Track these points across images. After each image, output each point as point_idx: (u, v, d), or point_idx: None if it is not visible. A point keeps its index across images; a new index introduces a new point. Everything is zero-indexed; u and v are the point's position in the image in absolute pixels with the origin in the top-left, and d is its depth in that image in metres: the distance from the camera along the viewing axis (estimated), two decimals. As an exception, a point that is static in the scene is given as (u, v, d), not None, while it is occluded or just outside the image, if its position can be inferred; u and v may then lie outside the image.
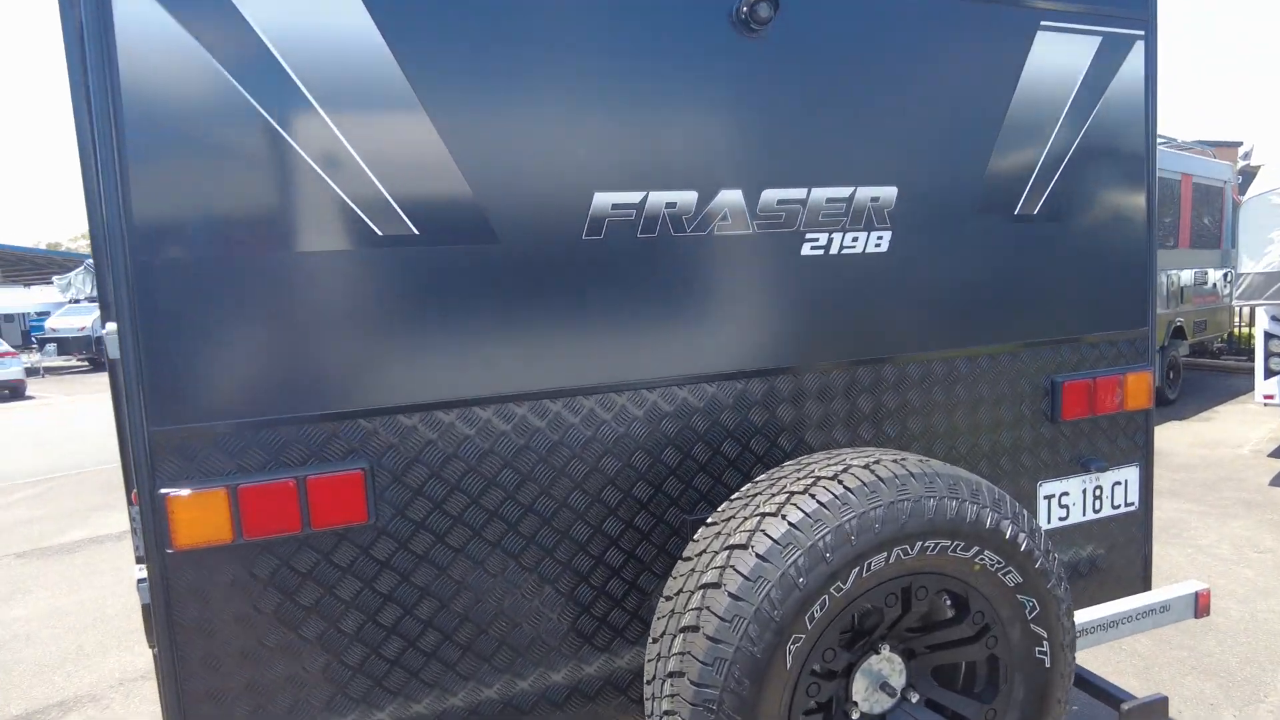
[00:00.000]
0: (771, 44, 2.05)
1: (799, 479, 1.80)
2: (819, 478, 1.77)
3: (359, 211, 1.75)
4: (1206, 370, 12.57)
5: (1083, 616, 2.33)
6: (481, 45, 1.81)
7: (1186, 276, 9.74)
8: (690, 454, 2.08)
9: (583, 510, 1.99)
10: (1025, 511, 1.88)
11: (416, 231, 1.80)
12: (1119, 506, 2.63)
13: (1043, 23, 2.35)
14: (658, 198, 1.98)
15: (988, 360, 2.39)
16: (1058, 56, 2.38)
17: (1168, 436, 8.43)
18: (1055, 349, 2.49)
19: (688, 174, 2.00)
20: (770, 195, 2.08)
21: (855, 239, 2.18)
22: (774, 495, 1.78)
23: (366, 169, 1.75)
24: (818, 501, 1.70)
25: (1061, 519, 2.53)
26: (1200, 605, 2.48)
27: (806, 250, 2.14)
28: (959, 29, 2.26)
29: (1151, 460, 2.69)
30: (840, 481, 1.74)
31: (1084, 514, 2.57)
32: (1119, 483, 2.62)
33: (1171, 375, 9.74)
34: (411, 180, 1.79)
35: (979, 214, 2.32)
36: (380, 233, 1.77)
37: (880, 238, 2.21)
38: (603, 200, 1.93)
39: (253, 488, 1.70)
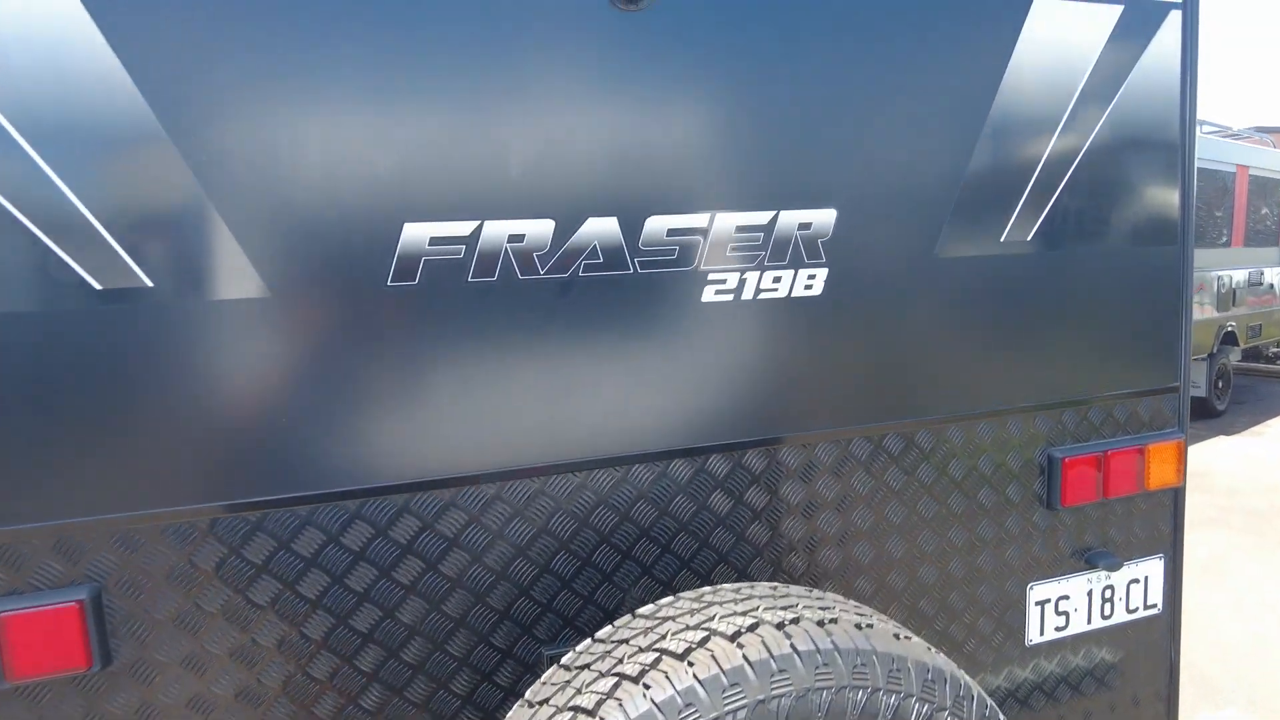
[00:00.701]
0: (657, 19, 1.52)
1: (682, 631, 1.29)
2: (712, 633, 1.25)
3: (68, 259, 1.28)
4: (1260, 377, 11.64)
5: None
6: (235, 29, 1.31)
7: (1240, 277, 8.92)
8: (551, 567, 1.58)
9: (397, 647, 1.50)
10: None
11: (150, 283, 1.32)
12: (1136, 610, 2.06)
13: (1041, -14, 1.78)
14: (496, 229, 1.47)
15: (960, 432, 1.84)
16: (1062, 32, 1.81)
17: (1213, 454, 7.69)
18: (1053, 416, 1.92)
19: (540, 197, 1.49)
20: (657, 224, 1.56)
21: (777, 279, 1.65)
22: (642, 649, 1.27)
23: (79, 204, 1.27)
24: (695, 677, 1.18)
25: (1059, 629, 1.98)
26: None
27: (709, 295, 1.61)
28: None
29: (1181, 550, 2.12)
30: (739, 645, 1.22)
31: (1089, 621, 2.01)
32: (1136, 580, 2.06)
33: (1220, 385, 8.94)
34: (143, 216, 1.31)
35: (950, 242, 1.77)
36: (99, 286, 1.29)
37: (812, 276, 1.67)
38: (416, 233, 1.43)
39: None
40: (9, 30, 1.21)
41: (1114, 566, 1.96)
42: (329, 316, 1.41)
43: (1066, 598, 1.98)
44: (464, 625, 1.53)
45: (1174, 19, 1.91)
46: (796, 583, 1.74)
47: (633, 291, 1.56)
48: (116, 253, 1.30)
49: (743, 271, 1.62)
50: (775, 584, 1.49)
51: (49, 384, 1.29)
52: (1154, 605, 2.08)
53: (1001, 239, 1.81)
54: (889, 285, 1.73)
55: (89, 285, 1.29)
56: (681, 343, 1.60)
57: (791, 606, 1.32)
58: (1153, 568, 2.07)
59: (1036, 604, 1.95)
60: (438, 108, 1.42)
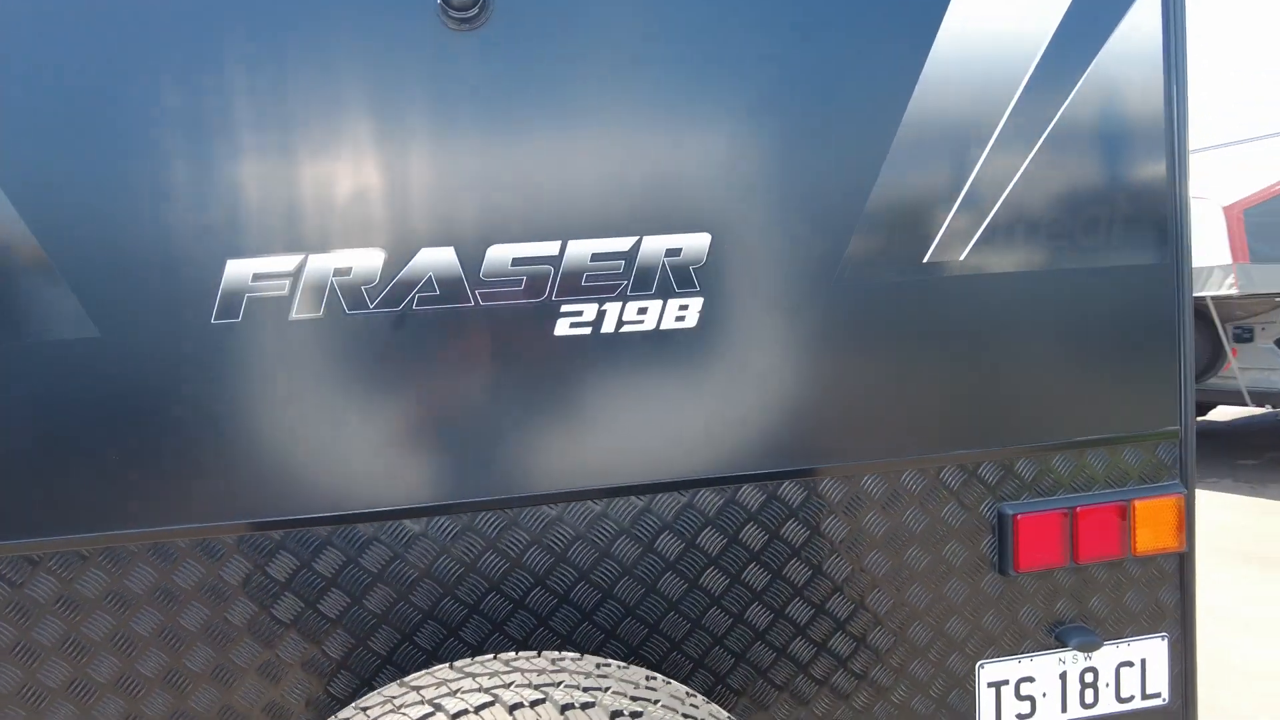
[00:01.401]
0: (495, 35, 1.43)
1: (471, 691, 1.16)
2: (496, 699, 1.12)
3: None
4: None
5: None
6: (50, 63, 1.34)
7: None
8: (387, 612, 1.48)
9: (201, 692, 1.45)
10: None
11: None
12: (1131, 699, 1.71)
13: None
14: (321, 262, 1.41)
15: (879, 482, 1.60)
16: (1002, 13, 1.56)
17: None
18: (1003, 464, 1.64)
19: (368, 226, 1.42)
20: (500, 253, 1.45)
21: (643, 310, 1.50)
22: (424, 701, 1.15)
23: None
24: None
25: (1023, 716, 1.67)
26: None
27: (564, 329, 1.48)
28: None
29: (1192, 627, 1.74)
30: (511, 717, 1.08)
31: (1065, 709, 1.68)
32: (1129, 664, 1.70)
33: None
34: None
35: (854, 265, 1.55)
36: (-64, 326, 1.34)
37: (684, 307, 1.51)
38: (239, 269, 1.39)
39: None
40: None
41: (1090, 646, 1.63)
42: (155, 358, 1.39)
43: (1031, 680, 1.66)
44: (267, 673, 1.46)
45: (1150, -6, 1.61)
46: (676, 649, 1.55)
47: (474, 326, 1.46)
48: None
49: (603, 301, 1.48)
50: (614, 664, 1.32)
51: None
52: (1157, 694, 1.71)
53: (924, 259, 1.57)
54: (779, 314, 1.54)
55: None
56: (532, 379, 1.48)
57: (595, 689, 1.15)
58: (1152, 649, 1.71)
59: (990, 685, 1.65)
60: (260, 136, 1.39)
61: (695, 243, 1.50)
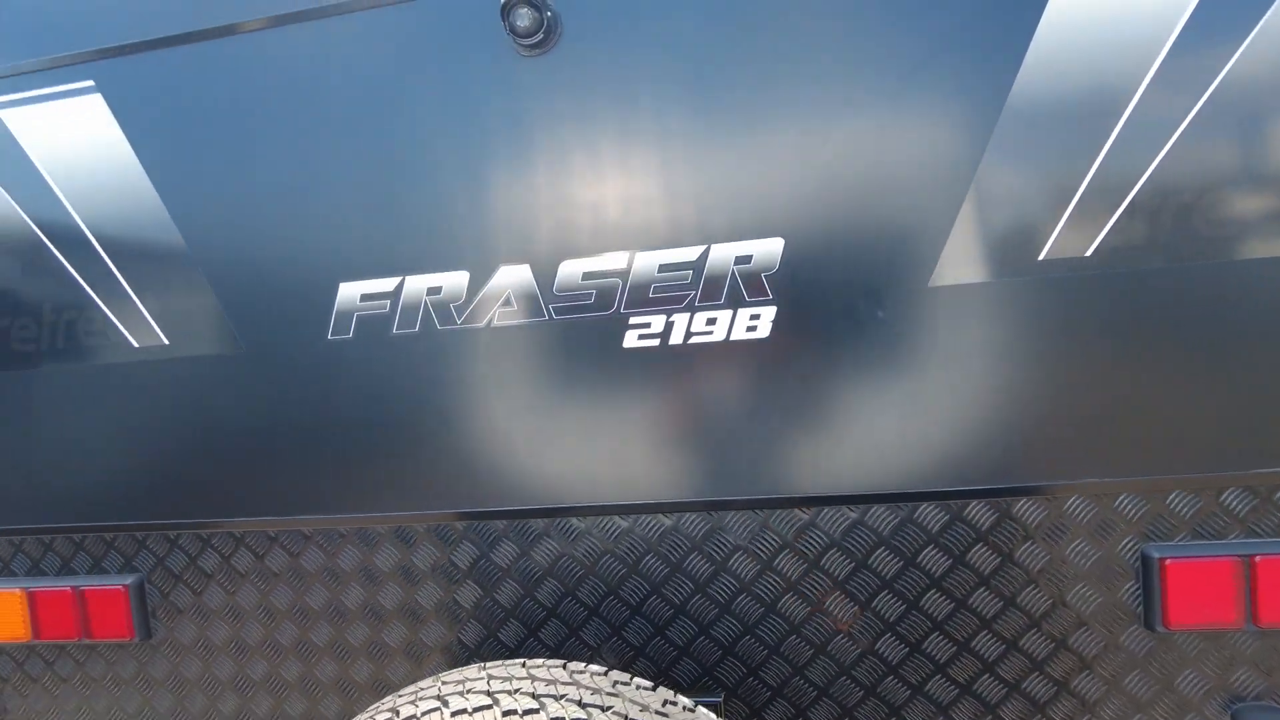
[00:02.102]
0: (560, 60, 1.48)
1: (448, 694, 1.22)
2: (442, 704, 1.17)
3: (118, 324, 1.69)
4: None
5: None
6: (209, 123, 1.61)
7: None
8: (440, 603, 1.59)
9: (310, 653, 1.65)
10: None
11: (166, 341, 1.68)
12: (1348, 808, 1.33)
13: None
14: (416, 282, 1.56)
15: (991, 512, 1.40)
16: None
17: None
18: (1152, 497, 1.36)
19: (454, 249, 1.54)
20: (572, 268, 1.50)
21: (712, 320, 1.46)
22: (417, 699, 1.23)
23: (122, 280, 1.68)
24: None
25: (1182, 807, 1.37)
26: None
27: (632, 341, 1.49)
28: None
29: None
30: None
31: (1245, 807, 1.36)
32: (1347, 762, 1.33)
33: None
34: (160, 286, 1.67)
35: (953, 266, 1.38)
36: (136, 344, 1.69)
37: (756, 317, 1.44)
38: (350, 291, 1.58)
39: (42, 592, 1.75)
40: (76, 152, 1.66)
41: (1277, 728, 1.31)
42: (285, 370, 1.62)
43: (1194, 763, 1.37)
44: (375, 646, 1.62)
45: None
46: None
47: (549, 339, 1.52)
48: (147, 319, 1.68)
49: (670, 313, 1.47)
50: (636, 682, 1.30)
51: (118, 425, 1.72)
52: (1390, 807, 1.33)
53: (1040, 257, 1.36)
54: (865, 325, 1.41)
55: (130, 344, 1.68)
56: (601, 392, 1.51)
57: (595, 705, 1.15)
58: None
59: (1138, 761, 1.39)
60: (362, 170, 1.56)
61: (767, 249, 1.43)
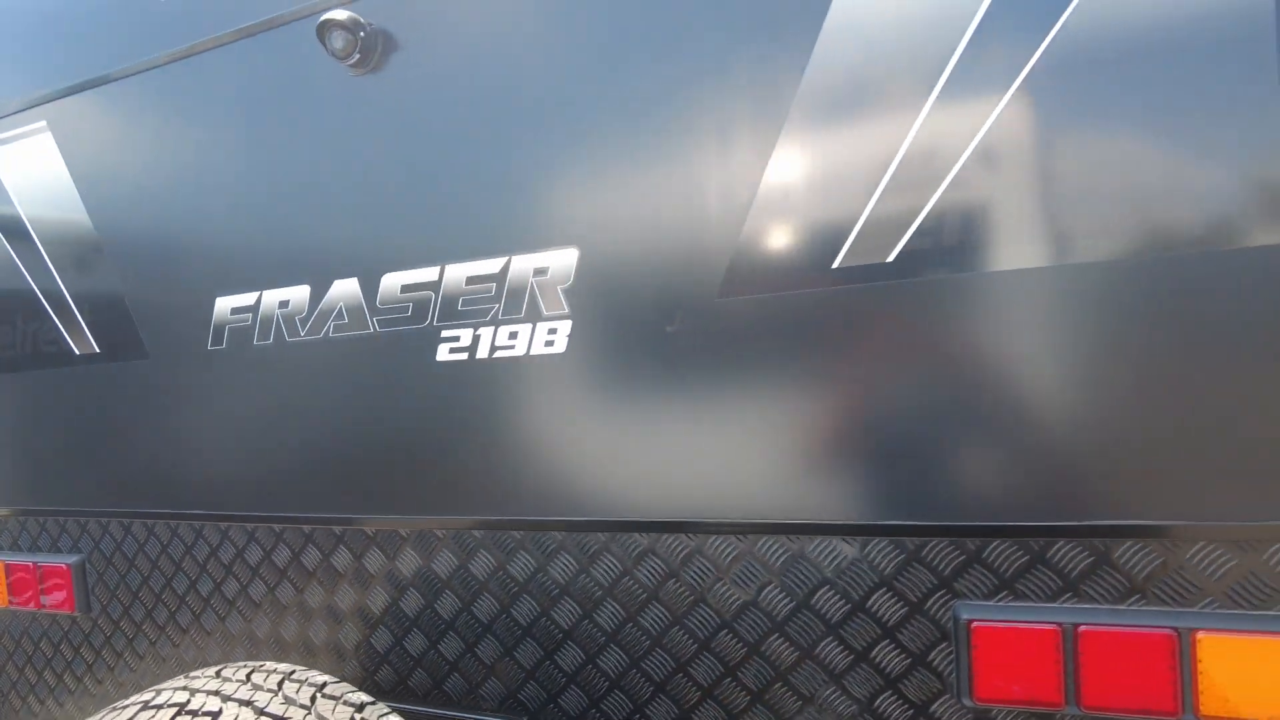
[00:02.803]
0: (384, 78, 1.51)
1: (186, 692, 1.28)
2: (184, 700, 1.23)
3: (64, 334, 1.93)
4: None
5: None
6: (121, 156, 1.80)
7: None
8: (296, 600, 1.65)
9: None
10: None
11: (98, 350, 1.89)
12: None
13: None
14: (271, 296, 1.65)
15: (784, 553, 1.26)
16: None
17: None
18: (959, 547, 1.16)
19: (298, 263, 1.61)
20: (392, 281, 1.52)
21: (513, 335, 1.42)
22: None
23: (68, 297, 1.92)
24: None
25: None
26: None
27: (444, 354, 1.49)
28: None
29: None
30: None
31: None
32: None
33: None
34: (93, 302, 1.88)
35: (740, 278, 1.25)
36: (77, 352, 1.92)
37: (553, 331, 1.39)
38: (223, 305, 1.70)
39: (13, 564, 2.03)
40: (37, 186, 1.90)
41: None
42: (180, 378, 1.77)
43: None
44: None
45: None
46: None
47: (374, 351, 1.55)
48: (85, 332, 1.89)
49: (476, 326, 1.45)
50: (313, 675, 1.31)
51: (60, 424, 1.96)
52: None
53: (834, 265, 1.20)
54: (657, 339, 1.32)
55: (72, 352, 1.91)
56: (414, 405, 1.51)
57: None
58: None
59: None
60: (235, 187, 1.67)
61: (562, 260, 1.37)
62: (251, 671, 1.39)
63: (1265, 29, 0.99)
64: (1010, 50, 1.09)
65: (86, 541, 1.95)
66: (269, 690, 1.31)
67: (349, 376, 1.57)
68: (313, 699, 1.31)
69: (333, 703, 1.31)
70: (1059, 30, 1.07)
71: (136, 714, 1.22)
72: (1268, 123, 0.99)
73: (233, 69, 1.65)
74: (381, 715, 1.33)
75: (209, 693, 1.29)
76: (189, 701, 1.25)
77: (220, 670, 1.40)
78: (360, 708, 1.32)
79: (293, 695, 1.31)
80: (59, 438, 1.96)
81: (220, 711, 1.22)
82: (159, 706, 1.22)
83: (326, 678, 1.40)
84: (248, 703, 1.26)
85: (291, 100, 1.59)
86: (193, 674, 1.40)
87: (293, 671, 1.40)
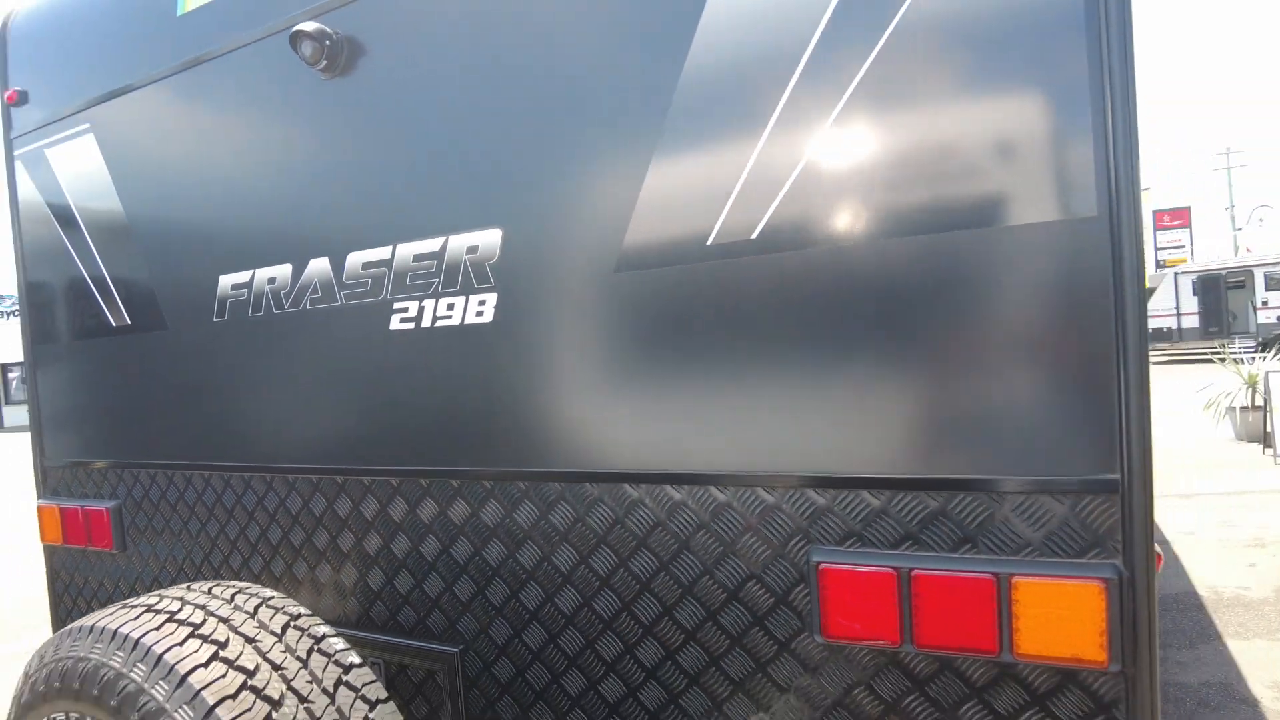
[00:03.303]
0: (351, 81, 1.71)
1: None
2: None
3: (104, 309, 2.23)
4: None
5: None
6: (149, 155, 2.07)
7: None
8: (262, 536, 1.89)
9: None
10: None
11: (130, 322, 2.18)
12: None
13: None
14: (262, 274, 1.88)
15: (683, 498, 1.40)
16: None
17: None
18: (812, 497, 1.27)
19: (284, 244, 1.84)
20: (355, 259, 1.73)
21: (450, 306, 1.61)
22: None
23: (107, 277, 2.21)
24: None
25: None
26: None
27: (395, 324, 1.68)
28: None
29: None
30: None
31: None
32: (1030, 817, 1.14)
33: None
34: (126, 282, 2.17)
35: (633, 254, 1.40)
36: (113, 324, 2.21)
37: (482, 302, 1.57)
38: (225, 282, 1.95)
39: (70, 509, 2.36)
40: (83, 180, 2.21)
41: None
42: (193, 346, 2.04)
43: (863, 791, 1.26)
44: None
45: None
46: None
47: (340, 321, 1.76)
48: (119, 306, 2.19)
49: (421, 299, 1.64)
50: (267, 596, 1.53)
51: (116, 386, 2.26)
52: None
53: (709, 242, 1.33)
54: (566, 309, 1.48)
55: (110, 325, 2.21)
56: (372, 370, 1.72)
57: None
58: (1074, 810, 1.12)
59: (812, 778, 1.30)
60: (233, 181, 1.92)
61: (488, 239, 1.55)
62: (237, 593, 1.62)
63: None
64: (830, 82, 1.20)
65: (122, 489, 2.25)
66: (245, 612, 1.54)
67: (321, 344, 1.79)
68: (283, 628, 1.53)
69: (299, 634, 1.53)
70: (868, 67, 1.17)
71: (140, 614, 1.46)
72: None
73: (227, 79, 1.88)
74: (339, 650, 1.53)
75: (197, 605, 1.52)
76: (179, 610, 1.49)
77: (211, 588, 1.64)
78: (320, 639, 1.54)
79: (266, 621, 1.53)
80: (100, 399, 2.26)
81: (203, 623, 1.45)
82: (157, 611, 1.46)
83: (302, 610, 1.61)
84: (226, 620, 1.49)
85: (273, 104, 1.82)
86: (192, 585, 1.65)
87: (271, 598, 1.63)
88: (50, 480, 2.43)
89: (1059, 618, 1.09)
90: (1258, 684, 4.35)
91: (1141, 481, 1.06)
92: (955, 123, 1.14)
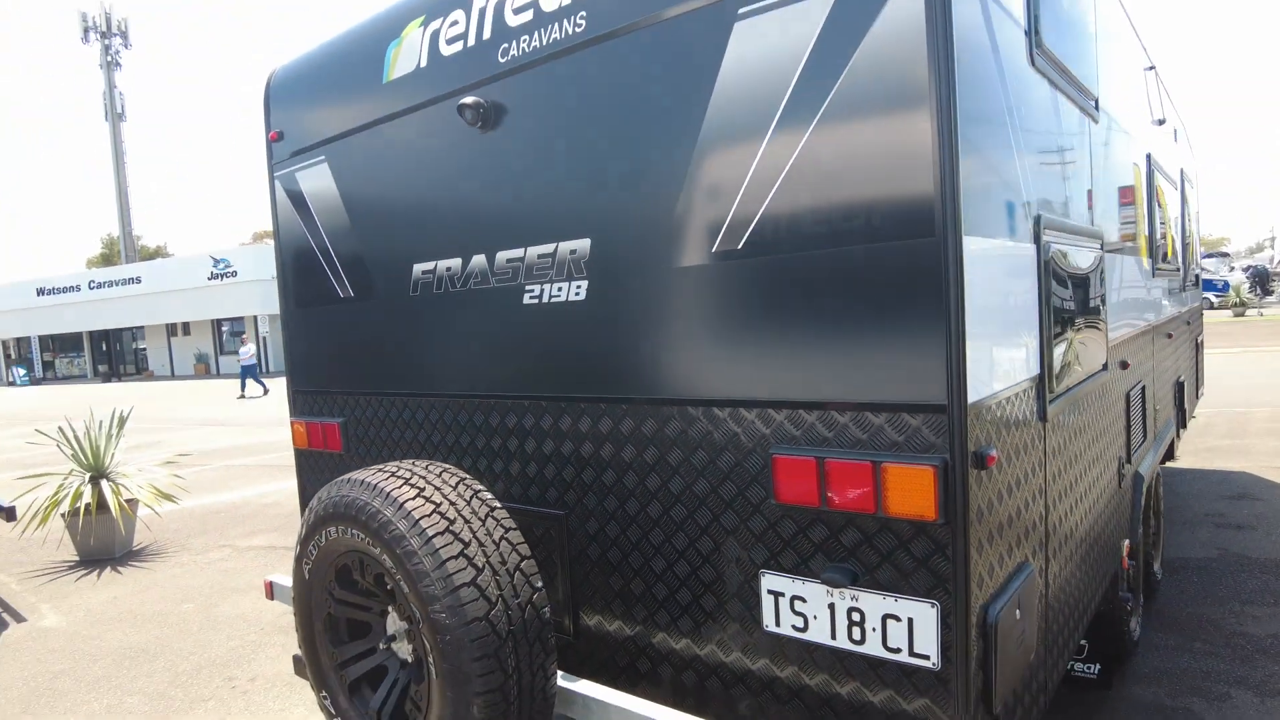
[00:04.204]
0: (499, 136, 2.58)
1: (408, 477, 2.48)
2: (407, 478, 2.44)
3: (335, 285, 3.28)
4: None
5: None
6: (358, 177, 3.07)
7: None
8: (470, 446, 2.84)
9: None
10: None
11: (353, 294, 3.21)
12: (898, 651, 1.86)
13: (740, 10, 1.99)
14: (442, 264, 2.82)
15: (699, 413, 2.19)
16: (769, 40, 1.95)
17: None
18: (771, 414, 2.01)
19: (455, 244, 2.76)
20: (502, 256, 2.62)
21: (560, 289, 2.46)
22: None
23: (336, 261, 3.26)
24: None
25: (796, 628, 2.02)
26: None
27: (526, 300, 2.56)
28: (642, 66, 2.19)
29: (964, 604, 1.76)
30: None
31: (833, 638, 1.96)
32: (896, 618, 1.86)
33: None
34: (349, 265, 3.20)
35: (671, 255, 2.18)
36: (341, 295, 3.26)
37: (579, 287, 2.41)
38: (417, 269, 2.91)
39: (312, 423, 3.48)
40: (320, 186, 3.26)
41: (835, 582, 1.90)
42: (388, 312, 3.03)
43: (802, 600, 2.01)
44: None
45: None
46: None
47: (492, 298, 2.66)
48: (344, 280, 3.22)
49: (542, 284, 2.51)
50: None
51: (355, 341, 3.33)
52: (925, 656, 1.83)
53: (713, 249, 2.09)
54: (629, 291, 2.29)
55: (339, 296, 3.25)
56: (510, 331, 2.61)
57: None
58: (919, 611, 1.82)
59: (769, 592, 2.07)
60: (425, 197, 2.86)
61: (582, 245, 2.38)
62: (443, 471, 2.55)
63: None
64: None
65: (346, 410, 3.31)
66: (450, 485, 2.45)
67: (479, 312, 2.70)
68: (470, 498, 2.43)
69: (480, 503, 2.42)
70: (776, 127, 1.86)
71: (386, 477, 2.44)
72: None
73: (417, 128, 2.81)
74: (503, 517, 2.41)
75: (420, 475, 2.47)
76: (410, 478, 2.43)
77: (427, 466, 2.60)
78: (493, 509, 2.43)
79: (461, 493, 2.43)
80: (332, 347, 3.33)
81: (424, 488, 2.38)
82: (395, 475, 2.41)
83: (481, 487, 2.51)
84: (438, 488, 2.40)
85: (447, 148, 2.72)
86: (415, 463, 2.62)
87: (466, 478, 2.54)
88: (299, 403, 3.56)
89: (909, 489, 1.79)
90: (1327, 642, 4.55)
91: (959, 407, 1.73)
92: (850, 182, 1.83)
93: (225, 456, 13.41)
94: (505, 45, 2.53)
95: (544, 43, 2.42)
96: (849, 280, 1.87)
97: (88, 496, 6.90)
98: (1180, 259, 5.91)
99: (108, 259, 62.45)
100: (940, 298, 1.74)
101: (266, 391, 25.60)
